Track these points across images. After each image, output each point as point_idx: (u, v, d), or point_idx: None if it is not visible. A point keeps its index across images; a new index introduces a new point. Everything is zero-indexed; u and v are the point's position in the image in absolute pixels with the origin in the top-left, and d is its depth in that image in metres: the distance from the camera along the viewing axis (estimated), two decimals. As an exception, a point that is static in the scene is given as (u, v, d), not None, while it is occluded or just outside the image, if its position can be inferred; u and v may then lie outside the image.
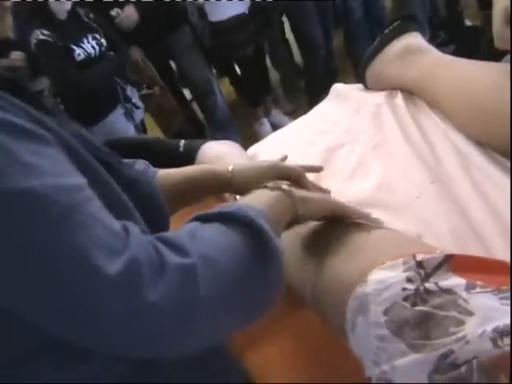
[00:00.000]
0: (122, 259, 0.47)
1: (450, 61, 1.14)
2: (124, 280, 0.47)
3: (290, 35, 3.72)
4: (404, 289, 0.61)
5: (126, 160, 0.78)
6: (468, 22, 2.75)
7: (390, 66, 1.26)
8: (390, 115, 1.19)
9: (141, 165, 0.94)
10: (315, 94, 3.07)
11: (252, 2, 2.90)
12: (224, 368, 0.78)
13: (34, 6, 2.31)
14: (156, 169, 0.94)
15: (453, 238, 0.86)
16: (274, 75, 3.96)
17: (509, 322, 0.54)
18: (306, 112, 1.48)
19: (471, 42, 2.27)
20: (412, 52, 1.21)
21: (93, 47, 2.45)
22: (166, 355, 0.55)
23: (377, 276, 0.64)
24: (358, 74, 1.38)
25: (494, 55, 1.14)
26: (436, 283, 0.60)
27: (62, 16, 2.38)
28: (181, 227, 0.60)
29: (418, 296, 0.60)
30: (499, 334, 0.53)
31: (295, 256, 0.85)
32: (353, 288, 0.66)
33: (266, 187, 0.74)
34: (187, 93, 3.78)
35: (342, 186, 1.07)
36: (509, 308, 0.56)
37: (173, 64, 3.48)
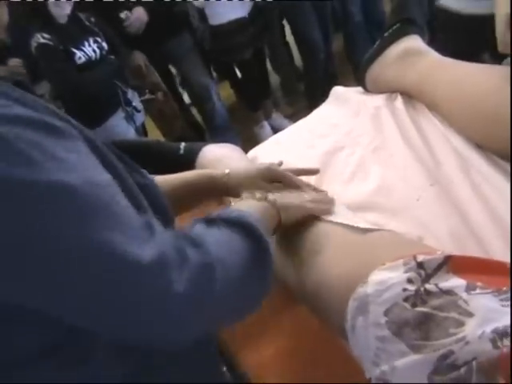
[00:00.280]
0: (153, 249, 0.50)
1: (449, 63, 1.14)
2: (155, 268, 0.50)
3: (290, 38, 3.72)
4: (404, 289, 0.61)
5: None
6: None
7: (389, 68, 1.26)
8: (389, 118, 1.20)
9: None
10: (315, 97, 3.07)
11: (252, 6, 2.90)
12: (219, 368, 0.79)
13: (34, 9, 2.31)
14: (152, 175, 0.95)
15: (452, 241, 0.86)
16: (273, 78, 3.96)
17: (508, 323, 0.54)
18: (306, 115, 1.49)
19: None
20: (411, 55, 1.22)
21: (94, 50, 2.44)
22: (178, 341, 0.57)
23: (377, 277, 0.65)
24: (357, 77, 1.39)
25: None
26: (436, 284, 0.60)
27: (63, 20, 2.38)
28: (184, 230, 0.63)
29: (419, 297, 0.60)
30: (499, 335, 0.53)
31: (294, 257, 0.85)
32: (353, 289, 0.66)
33: (252, 198, 0.80)
34: (186, 97, 3.78)
35: (342, 189, 1.07)
36: (508, 309, 0.56)
37: (172, 69, 3.48)
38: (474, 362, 0.52)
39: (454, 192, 0.94)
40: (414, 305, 0.60)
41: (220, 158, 1.21)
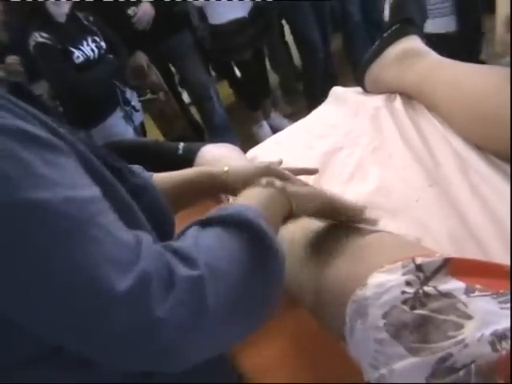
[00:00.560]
0: (133, 274, 0.47)
1: (448, 64, 1.14)
2: (134, 295, 0.46)
3: (289, 38, 3.72)
4: (403, 292, 0.61)
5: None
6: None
7: (388, 69, 1.26)
8: (388, 118, 1.19)
9: (136, 169, 0.94)
10: (314, 97, 3.07)
11: (253, 6, 2.90)
12: (220, 368, 0.78)
13: (32, 8, 2.30)
14: (150, 173, 0.95)
15: (451, 242, 0.86)
16: (272, 78, 3.96)
17: (508, 325, 0.54)
18: (305, 114, 1.49)
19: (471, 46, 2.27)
20: (410, 55, 1.21)
21: (92, 50, 2.44)
22: (174, 368, 0.54)
23: (376, 279, 0.64)
24: (356, 77, 1.38)
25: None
26: (435, 287, 0.60)
27: (61, 19, 2.37)
28: (180, 231, 0.60)
29: (417, 299, 0.60)
30: (498, 337, 0.53)
31: (294, 259, 0.85)
32: (352, 291, 0.66)
33: (259, 185, 0.74)
34: (185, 96, 3.78)
35: (341, 190, 1.07)
36: (508, 312, 0.56)
37: (172, 68, 3.48)
38: (472, 365, 0.52)
39: (452, 193, 0.94)
40: (412, 307, 0.59)
41: (219, 157, 1.21)
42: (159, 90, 3.05)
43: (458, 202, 0.92)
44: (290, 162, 1.15)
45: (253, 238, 0.58)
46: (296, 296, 0.85)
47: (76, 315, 0.46)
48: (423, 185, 0.98)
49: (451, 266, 0.62)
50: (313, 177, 1.10)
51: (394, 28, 1.27)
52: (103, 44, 2.51)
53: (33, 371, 0.56)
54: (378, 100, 1.28)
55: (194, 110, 3.70)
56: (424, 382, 0.54)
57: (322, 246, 0.81)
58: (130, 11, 2.82)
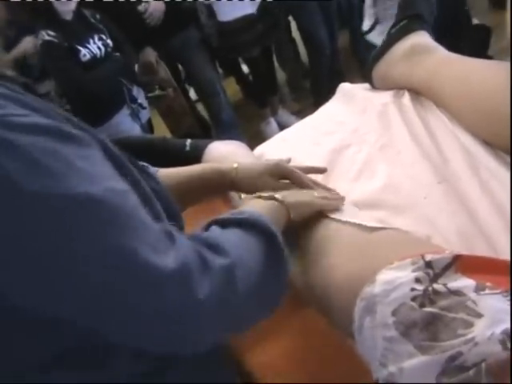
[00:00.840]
0: (174, 258, 0.50)
1: (457, 60, 1.13)
2: (178, 277, 0.50)
3: (296, 34, 3.71)
4: (412, 289, 0.61)
5: None
6: (475, 21, 2.73)
7: (396, 65, 1.25)
8: (396, 115, 1.19)
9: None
10: (321, 94, 3.07)
11: (261, 2, 2.89)
12: (223, 368, 0.78)
13: (39, 6, 2.30)
14: (156, 168, 0.94)
15: (460, 239, 0.85)
16: (279, 75, 3.96)
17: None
18: (312, 111, 1.48)
19: (479, 41, 2.25)
20: (419, 51, 1.20)
21: (98, 48, 2.44)
22: (202, 347, 0.57)
23: (385, 276, 0.64)
24: (364, 73, 1.38)
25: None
26: (445, 284, 0.59)
27: (68, 16, 2.37)
28: (201, 227, 0.66)
29: (427, 297, 0.59)
30: (508, 336, 0.52)
31: (301, 257, 0.84)
32: (360, 288, 0.66)
33: (260, 197, 0.80)
34: (192, 93, 3.77)
35: (349, 187, 1.06)
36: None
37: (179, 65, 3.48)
38: (483, 364, 0.51)
39: (461, 189, 0.93)
40: (422, 305, 0.59)
41: (226, 155, 1.21)
42: (168, 86, 3.05)
43: (467, 198, 0.91)
44: (298, 159, 1.14)
45: (268, 240, 0.65)
46: (303, 295, 0.85)
47: (132, 299, 0.49)
48: (432, 181, 0.97)
49: (461, 264, 0.62)
50: (321, 175, 1.09)
51: (402, 24, 1.27)
52: (109, 42, 2.51)
53: (58, 372, 0.56)
54: (385, 96, 1.27)
55: (200, 107, 3.69)
56: (434, 380, 0.54)
57: (330, 243, 0.81)
58: (141, 7, 2.83)
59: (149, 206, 0.58)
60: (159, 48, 3.01)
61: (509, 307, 0.56)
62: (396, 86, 1.27)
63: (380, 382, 0.62)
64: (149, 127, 2.95)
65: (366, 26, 1.84)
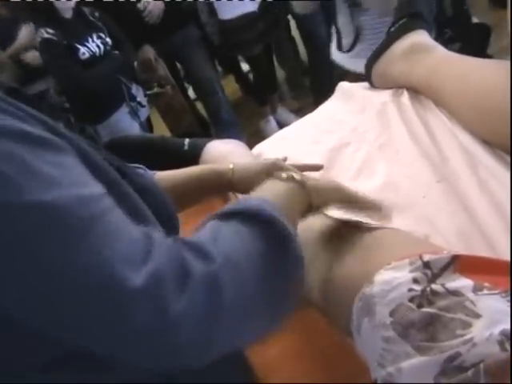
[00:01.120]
0: (146, 270, 0.46)
1: (456, 59, 1.13)
2: (149, 292, 0.45)
3: (295, 33, 3.70)
4: (410, 289, 0.60)
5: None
6: (475, 20, 2.73)
7: (395, 64, 1.25)
8: (395, 114, 1.18)
9: (138, 169, 0.94)
10: (321, 92, 3.06)
11: (261, 0, 2.89)
12: (229, 367, 0.77)
13: (38, 4, 2.30)
14: (153, 171, 0.94)
15: (459, 238, 0.85)
16: (279, 73, 3.95)
17: (517, 324, 0.53)
18: (312, 109, 1.48)
19: (478, 40, 2.25)
20: (418, 50, 1.20)
21: (98, 46, 2.44)
22: (192, 366, 0.53)
23: (383, 276, 0.64)
24: (364, 72, 1.37)
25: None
26: (443, 284, 0.59)
27: (68, 14, 2.37)
28: (197, 225, 0.59)
29: (425, 297, 0.59)
30: (507, 337, 0.52)
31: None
32: (359, 288, 0.66)
33: (278, 178, 0.73)
34: (191, 92, 3.77)
35: (348, 185, 1.06)
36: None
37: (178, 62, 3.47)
38: (481, 365, 0.51)
39: (460, 188, 0.93)
40: (419, 305, 0.59)
41: (225, 154, 1.21)
42: (167, 83, 3.05)
43: (466, 197, 0.91)
44: (297, 157, 1.14)
45: (272, 231, 0.57)
46: (304, 294, 0.85)
47: (92, 315, 0.46)
48: (431, 180, 0.97)
49: (459, 264, 0.62)
50: (319, 173, 1.09)
51: (401, 22, 1.26)
52: (109, 40, 2.51)
53: (58, 374, 0.55)
54: (385, 95, 1.27)
55: (200, 106, 3.69)
56: (432, 381, 0.54)
57: (329, 243, 0.81)
58: (140, 5, 2.83)
59: (127, 206, 0.53)
60: (158, 46, 3.01)
61: (508, 308, 0.56)
62: (395, 85, 1.27)
63: (378, 382, 0.62)
64: (148, 125, 2.95)
65: (345, 44, 1.76)
